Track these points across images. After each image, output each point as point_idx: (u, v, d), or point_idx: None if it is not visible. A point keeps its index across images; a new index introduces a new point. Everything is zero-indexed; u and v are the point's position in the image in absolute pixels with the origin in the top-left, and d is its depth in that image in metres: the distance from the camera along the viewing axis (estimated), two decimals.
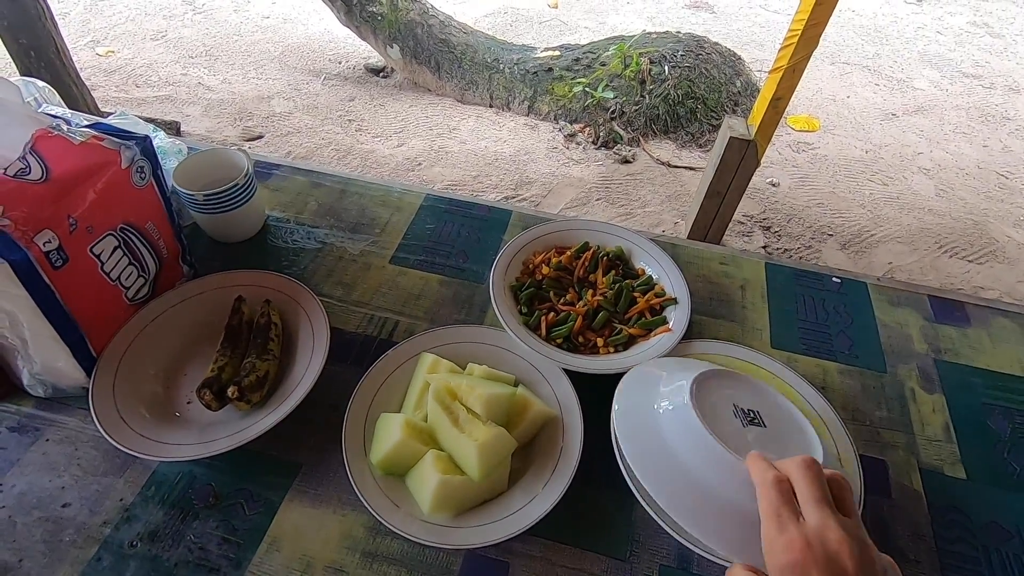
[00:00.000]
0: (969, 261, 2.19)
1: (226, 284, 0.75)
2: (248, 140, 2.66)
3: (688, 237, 2.08)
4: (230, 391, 0.62)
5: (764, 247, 2.22)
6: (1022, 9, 4.17)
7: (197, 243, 0.84)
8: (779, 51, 1.63)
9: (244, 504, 0.60)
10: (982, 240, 2.28)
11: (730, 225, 2.26)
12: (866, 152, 2.74)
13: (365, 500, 0.57)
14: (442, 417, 0.59)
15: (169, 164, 0.83)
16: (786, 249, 2.21)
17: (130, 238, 0.66)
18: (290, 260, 0.85)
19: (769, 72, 1.69)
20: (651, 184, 2.48)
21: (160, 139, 0.84)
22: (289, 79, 3.06)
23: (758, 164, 1.85)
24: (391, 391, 0.67)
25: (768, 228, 2.31)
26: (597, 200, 2.40)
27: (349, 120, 2.79)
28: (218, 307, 0.72)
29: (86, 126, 0.64)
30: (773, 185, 2.52)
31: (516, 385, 0.66)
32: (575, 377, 0.67)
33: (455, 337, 0.71)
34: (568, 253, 0.82)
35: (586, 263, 0.80)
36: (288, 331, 0.72)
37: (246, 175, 0.80)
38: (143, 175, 0.66)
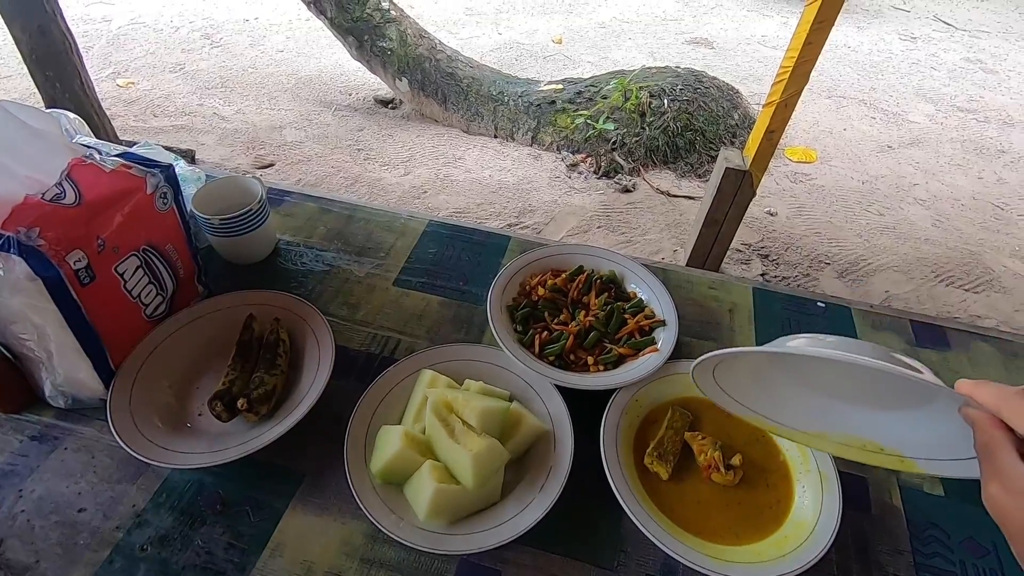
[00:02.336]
0: (966, 290, 2.22)
1: (238, 303, 0.79)
2: (260, 168, 2.75)
3: (687, 264, 2.12)
4: (240, 403, 0.66)
5: (762, 275, 2.26)
6: (1014, 46, 4.28)
7: (212, 264, 0.89)
8: (771, 87, 1.69)
9: (250, 511, 0.63)
10: (978, 269, 2.30)
11: (729, 253, 2.31)
12: (862, 183, 2.79)
13: (364, 507, 0.59)
14: (439, 429, 0.62)
15: (188, 190, 0.88)
16: (784, 277, 2.25)
17: (151, 258, 0.71)
18: (299, 281, 0.89)
19: (763, 106, 1.75)
20: (651, 212, 2.53)
21: (181, 167, 0.90)
22: (301, 110, 3.17)
23: (754, 194, 1.90)
24: (392, 405, 0.70)
25: (766, 256, 2.35)
26: (598, 228, 2.45)
27: (358, 149, 2.88)
28: (230, 324, 0.76)
29: (116, 155, 0.69)
30: (771, 214, 2.57)
31: (510, 400, 0.70)
32: (566, 393, 0.71)
33: (453, 355, 0.75)
34: (563, 276, 0.86)
35: (580, 285, 0.84)
36: (296, 348, 0.76)
37: (259, 201, 0.85)
38: (166, 200, 0.71)
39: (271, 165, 2.77)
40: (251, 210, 0.84)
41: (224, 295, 0.80)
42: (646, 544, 0.61)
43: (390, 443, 0.62)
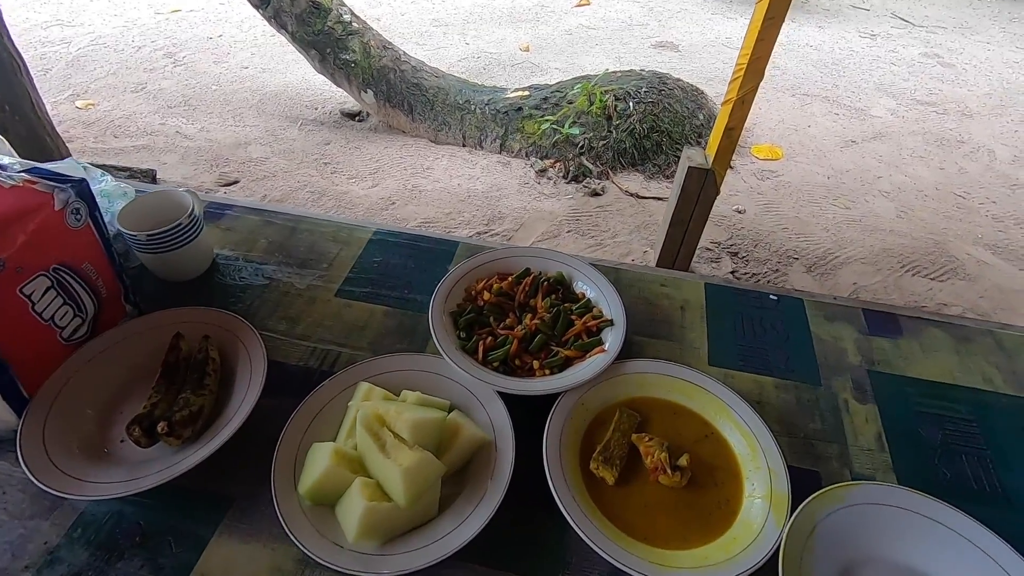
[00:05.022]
0: (931, 279, 2.24)
1: (166, 322, 0.75)
2: (224, 185, 2.69)
3: (657, 265, 2.11)
4: (159, 427, 0.62)
5: (732, 272, 2.26)
6: (970, 40, 4.39)
7: (145, 283, 0.85)
8: (728, 84, 1.70)
9: (172, 541, 0.59)
10: (943, 258, 2.33)
11: (699, 252, 2.31)
12: (828, 178, 2.82)
13: (290, 531, 0.56)
14: (369, 444, 0.59)
15: (117, 206, 0.84)
16: (754, 274, 2.25)
17: (65, 278, 0.67)
18: (236, 297, 0.86)
19: (721, 104, 1.76)
20: (620, 215, 2.53)
21: (106, 183, 0.86)
22: (266, 125, 3.13)
23: (718, 192, 1.90)
24: (327, 421, 0.67)
25: (736, 254, 2.35)
26: (568, 232, 2.44)
27: (325, 163, 2.84)
28: (158, 345, 0.73)
29: (22, 171, 0.66)
30: (739, 212, 2.58)
31: (449, 410, 0.67)
32: (511, 400, 0.68)
33: (393, 365, 0.72)
34: (509, 279, 0.84)
35: (526, 288, 0.82)
36: (227, 366, 0.72)
37: (190, 215, 0.82)
38: (79, 216, 0.68)
39: (236, 182, 2.72)
40: (181, 224, 0.81)
41: (150, 314, 0.76)
42: (591, 555, 0.58)
43: (319, 461, 0.59)
